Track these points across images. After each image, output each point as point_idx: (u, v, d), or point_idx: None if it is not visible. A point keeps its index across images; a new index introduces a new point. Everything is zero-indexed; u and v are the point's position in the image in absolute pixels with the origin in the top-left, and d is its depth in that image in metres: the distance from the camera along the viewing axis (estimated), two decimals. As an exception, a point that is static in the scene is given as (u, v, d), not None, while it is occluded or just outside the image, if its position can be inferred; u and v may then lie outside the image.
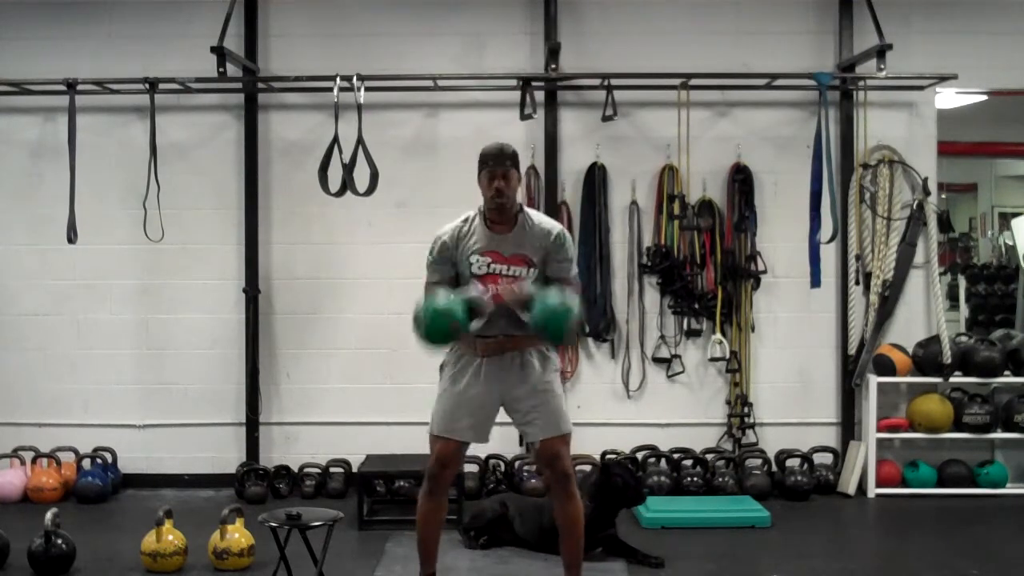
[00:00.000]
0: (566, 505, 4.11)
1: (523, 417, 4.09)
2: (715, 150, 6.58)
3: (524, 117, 6.21)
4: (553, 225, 4.14)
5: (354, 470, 6.23)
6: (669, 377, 6.66)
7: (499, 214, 4.05)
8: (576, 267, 4.18)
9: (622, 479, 5.13)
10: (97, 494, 6.31)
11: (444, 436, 4.06)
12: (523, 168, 6.48)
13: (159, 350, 6.70)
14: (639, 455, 6.44)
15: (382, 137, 6.36)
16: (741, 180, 6.59)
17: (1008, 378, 6.43)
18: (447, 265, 4.08)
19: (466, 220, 4.11)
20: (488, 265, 4.02)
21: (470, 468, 6.19)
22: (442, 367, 4.17)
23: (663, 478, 6.25)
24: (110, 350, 6.69)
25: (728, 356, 6.58)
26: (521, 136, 6.52)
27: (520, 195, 6.47)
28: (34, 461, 6.49)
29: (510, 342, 4.03)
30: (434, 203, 6.53)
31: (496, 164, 3.99)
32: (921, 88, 6.49)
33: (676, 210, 6.45)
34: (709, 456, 6.45)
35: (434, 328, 3.85)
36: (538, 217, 4.16)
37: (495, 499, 5.47)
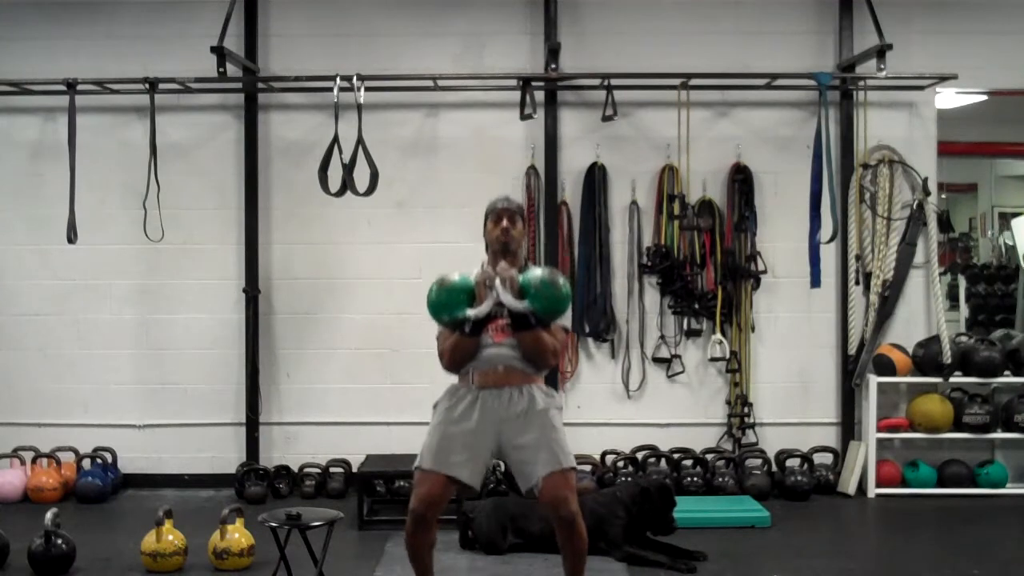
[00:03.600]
0: (570, 542, 3.89)
1: (520, 454, 3.85)
2: (715, 150, 6.59)
3: (524, 117, 6.21)
4: (557, 274, 3.96)
5: (354, 470, 6.24)
6: (669, 377, 6.66)
7: (503, 255, 3.95)
8: (568, 322, 4.05)
9: (656, 507, 5.09)
10: (97, 494, 6.32)
11: (433, 470, 3.83)
12: (523, 168, 6.58)
13: (159, 350, 6.70)
14: (639, 455, 6.43)
15: (382, 137, 6.37)
16: (741, 180, 6.59)
17: (1008, 378, 6.43)
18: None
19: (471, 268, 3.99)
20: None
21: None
22: (435, 405, 4.03)
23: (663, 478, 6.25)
24: (110, 350, 6.70)
25: (728, 356, 6.58)
26: (521, 136, 6.53)
27: (520, 196, 6.55)
28: (34, 461, 6.49)
29: (508, 375, 3.89)
30: (434, 203, 6.55)
31: (504, 207, 4.03)
32: (921, 88, 6.49)
33: (676, 210, 6.45)
34: (709, 456, 6.45)
35: (448, 300, 3.81)
36: (539, 267, 4.24)
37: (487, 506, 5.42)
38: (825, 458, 6.54)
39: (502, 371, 3.89)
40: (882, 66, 6.09)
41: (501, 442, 3.89)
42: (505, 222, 3.99)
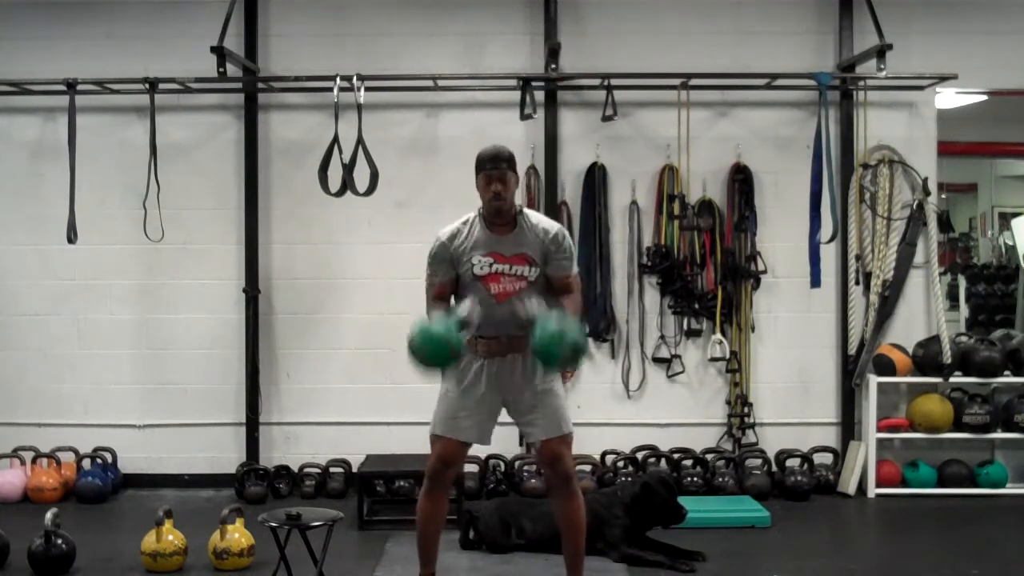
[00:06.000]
0: (568, 504, 4.12)
1: (524, 417, 4.11)
2: (715, 150, 6.59)
3: (524, 117, 6.21)
4: (552, 224, 4.17)
5: (354, 470, 6.24)
6: (669, 377, 6.66)
7: (498, 215, 4.07)
8: (576, 265, 4.20)
9: (662, 498, 5.10)
10: (97, 494, 6.31)
11: (446, 436, 4.08)
12: (523, 168, 6.55)
13: (159, 350, 6.70)
14: (639, 455, 6.43)
15: (382, 137, 6.36)
16: (741, 180, 6.59)
17: (1008, 378, 6.43)
18: (447, 266, 4.10)
19: (466, 222, 4.13)
20: (490, 265, 4.04)
21: (470, 468, 6.18)
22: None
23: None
24: (110, 350, 6.70)
25: (728, 356, 6.58)
26: (521, 136, 6.53)
27: (520, 196, 6.53)
28: (34, 461, 6.49)
29: (512, 343, 4.04)
30: (434, 203, 6.54)
31: (493, 167, 4.01)
32: (921, 88, 6.49)
33: (676, 210, 6.45)
34: (709, 456, 6.45)
35: (432, 354, 3.83)
36: (536, 217, 4.19)
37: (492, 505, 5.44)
38: (825, 458, 6.54)
39: (506, 341, 4.03)
40: (882, 66, 6.09)
41: (506, 401, 4.13)
42: (496, 185, 4.00)
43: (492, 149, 4.08)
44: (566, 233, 4.17)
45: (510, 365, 4.06)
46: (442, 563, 4.35)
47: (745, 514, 5.75)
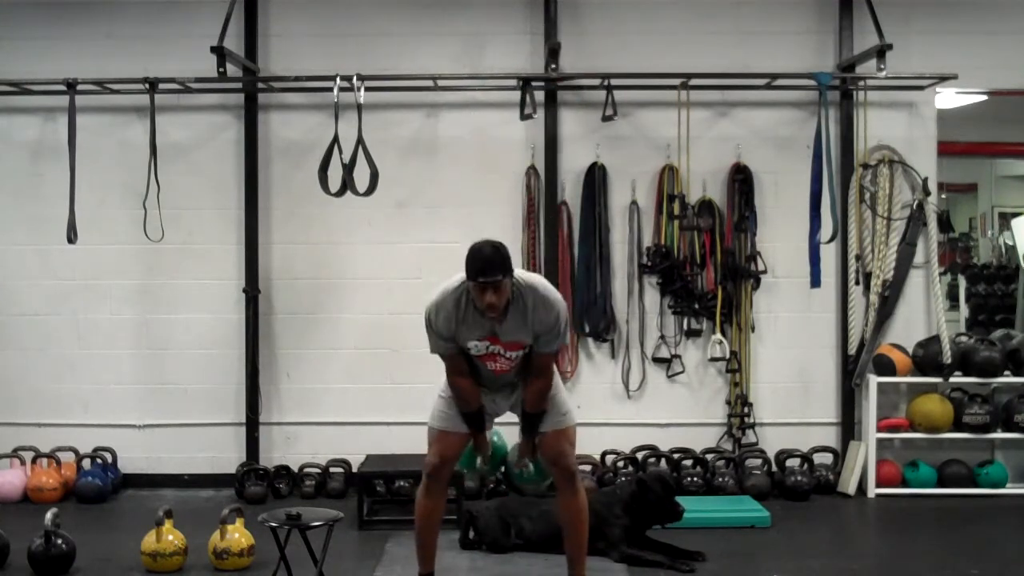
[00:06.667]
0: (571, 500, 4.12)
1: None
2: (715, 150, 6.59)
3: (524, 117, 6.20)
4: (551, 309, 3.90)
5: (354, 470, 6.24)
6: (669, 377, 6.66)
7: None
8: (565, 338, 4.24)
9: (657, 495, 5.09)
10: (97, 494, 6.31)
11: (445, 429, 4.09)
12: (523, 168, 6.58)
13: (159, 350, 6.70)
14: (639, 455, 6.43)
15: (382, 137, 6.36)
16: (741, 180, 6.59)
17: (1008, 378, 6.43)
18: (448, 340, 3.97)
19: (456, 301, 3.88)
20: (487, 348, 3.98)
21: (470, 468, 6.19)
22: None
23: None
24: (110, 350, 6.70)
25: (728, 356, 6.58)
26: (521, 136, 6.53)
27: (520, 196, 6.56)
28: (34, 461, 6.49)
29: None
30: (434, 203, 6.54)
31: (486, 280, 3.72)
32: (921, 88, 6.49)
33: (676, 210, 6.44)
34: (709, 456, 6.45)
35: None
36: (534, 296, 3.88)
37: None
38: (825, 458, 6.54)
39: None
40: (882, 66, 6.09)
41: (511, 406, 4.16)
42: (490, 296, 3.74)
43: (484, 254, 3.74)
44: (564, 315, 3.93)
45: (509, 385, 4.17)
46: (442, 563, 4.36)
47: (745, 514, 5.75)
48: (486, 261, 3.73)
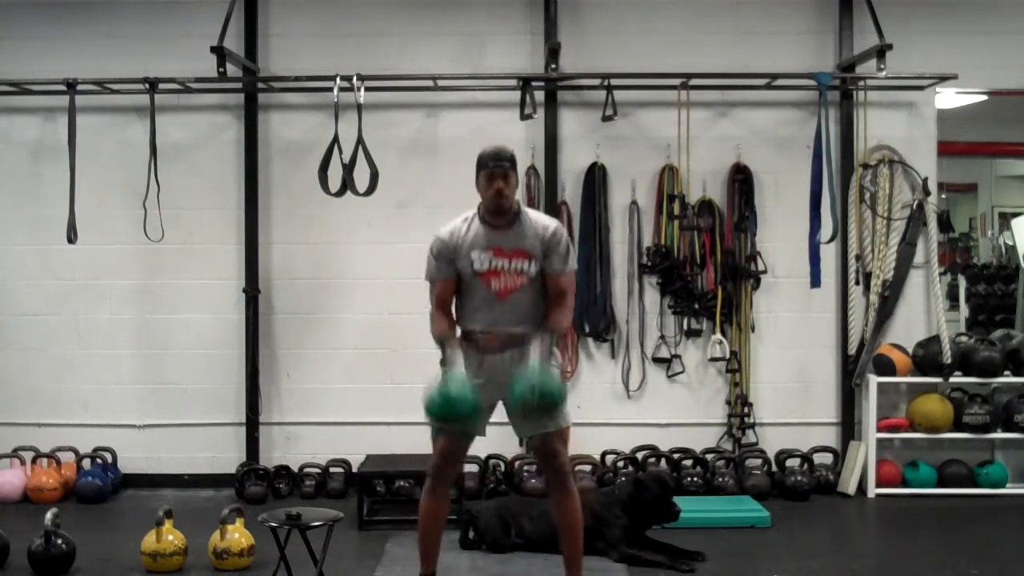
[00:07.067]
0: (565, 502, 4.13)
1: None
2: (715, 150, 6.59)
3: (524, 117, 6.21)
4: (550, 220, 4.20)
5: (354, 470, 6.24)
6: (669, 377, 6.66)
7: (498, 213, 4.08)
8: (571, 264, 4.19)
9: (655, 495, 5.10)
10: (97, 494, 6.31)
11: (444, 430, 4.09)
12: (523, 168, 6.55)
13: (159, 350, 6.70)
14: (639, 455, 6.43)
15: (382, 137, 6.36)
16: (741, 180, 6.59)
17: (1008, 378, 6.43)
18: (447, 263, 4.10)
19: (465, 219, 4.15)
20: (490, 261, 4.05)
21: (470, 468, 6.17)
22: (442, 363, 4.17)
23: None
24: (110, 350, 6.70)
25: (728, 356, 6.58)
26: (521, 136, 6.53)
27: (520, 196, 6.53)
28: (34, 461, 6.49)
29: (510, 339, 4.07)
30: (434, 203, 6.53)
31: (495, 166, 4.03)
32: (921, 88, 6.49)
33: (676, 210, 6.45)
34: (709, 456, 6.45)
35: (451, 415, 3.93)
36: (535, 214, 4.22)
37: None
38: (825, 458, 6.54)
39: (504, 336, 4.07)
40: (882, 66, 6.09)
41: (504, 396, 4.09)
42: (499, 183, 4.03)
43: (494, 148, 4.09)
44: (564, 230, 4.18)
45: (508, 359, 4.08)
46: (442, 563, 4.35)
47: (745, 514, 5.75)
48: (496, 150, 4.07)
